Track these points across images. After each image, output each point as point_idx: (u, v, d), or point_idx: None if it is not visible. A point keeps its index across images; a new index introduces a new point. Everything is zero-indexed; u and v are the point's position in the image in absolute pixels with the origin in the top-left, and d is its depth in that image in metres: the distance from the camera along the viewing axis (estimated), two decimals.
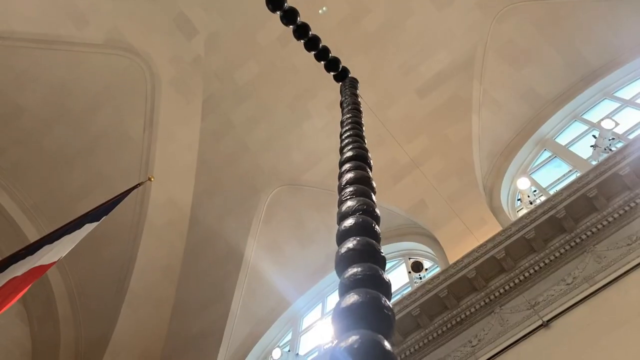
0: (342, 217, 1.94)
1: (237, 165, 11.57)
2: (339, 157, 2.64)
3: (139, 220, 11.58)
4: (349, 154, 2.61)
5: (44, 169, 11.61)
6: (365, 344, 1.17)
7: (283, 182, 11.28)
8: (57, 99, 11.20)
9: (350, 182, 2.25)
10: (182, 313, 11.31)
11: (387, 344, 1.19)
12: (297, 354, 9.56)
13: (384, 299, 1.35)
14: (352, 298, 1.33)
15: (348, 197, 2.07)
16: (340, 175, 2.44)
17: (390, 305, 1.37)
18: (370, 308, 1.30)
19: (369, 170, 2.45)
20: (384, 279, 1.50)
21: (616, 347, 5.14)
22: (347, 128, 3.10)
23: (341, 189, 2.24)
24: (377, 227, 1.86)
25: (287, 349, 9.81)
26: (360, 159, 2.54)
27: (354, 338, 1.19)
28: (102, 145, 11.44)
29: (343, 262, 1.61)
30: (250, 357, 10.18)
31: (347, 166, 2.46)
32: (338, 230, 1.85)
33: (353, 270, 1.50)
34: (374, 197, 2.17)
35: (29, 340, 11.10)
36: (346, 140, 2.88)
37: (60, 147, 11.57)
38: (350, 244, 1.66)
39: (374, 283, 1.44)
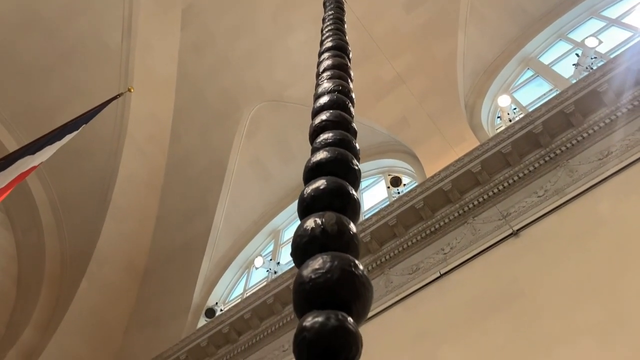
0: (317, 96, 1.99)
1: (218, 80, 11.40)
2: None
3: (120, 133, 11.51)
4: (328, 44, 2.61)
5: (20, 80, 11.33)
6: (331, 186, 1.25)
7: (266, 98, 11.20)
8: (30, 6, 10.74)
9: (327, 69, 2.28)
10: (166, 225, 11.54)
11: (352, 190, 1.28)
12: (278, 263, 9.92)
13: (351, 156, 1.43)
14: (322, 155, 1.41)
15: (325, 80, 2.11)
16: (318, 65, 2.46)
17: (358, 166, 1.45)
18: (339, 163, 1.38)
19: (347, 59, 2.47)
20: (354, 144, 1.57)
21: (581, 254, 5.43)
22: (328, 24, 3.08)
23: (318, 75, 2.28)
24: (352, 107, 1.92)
25: (269, 258, 10.17)
26: (340, 49, 2.55)
27: (321, 182, 1.27)
28: (79, 55, 11.13)
29: (316, 132, 1.68)
30: (233, 266, 10.54)
31: (325, 55, 2.48)
32: (313, 108, 1.91)
33: (325, 135, 1.57)
34: (350, 84, 2.21)
35: (13, 248, 11.30)
36: (327, 34, 2.87)
37: (36, 58, 11.24)
38: (324, 115, 1.72)
39: (344, 146, 1.51)
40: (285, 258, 10.07)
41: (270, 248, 10.75)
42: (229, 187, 11.18)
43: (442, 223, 6.97)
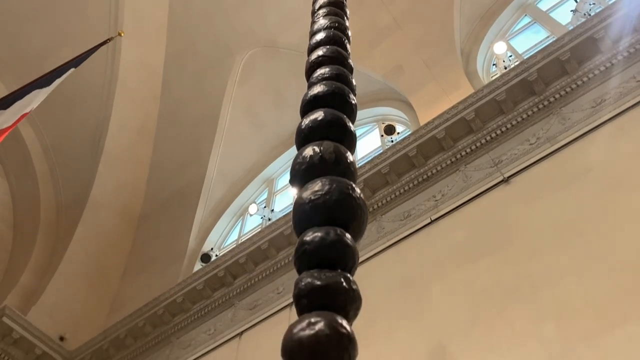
0: (313, 33, 1.99)
1: (210, 25, 11.17)
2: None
3: (111, 80, 11.37)
4: None
5: (7, 26, 11.04)
6: (328, 117, 1.28)
7: (259, 44, 11.02)
8: None
9: (323, 5, 2.26)
10: (159, 173, 11.57)
11: (349, 122, 1.31)
12: (272, 210, 10.04)
13: (348, 91, 1.45)
14: (319, 88, 1.43)
15: (320, 17, 2.10)
16: (314, 2, 2.44)
17: (355, 100, 1.48)
18: (336, 96, 1.41)
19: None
20: (350, 79, 1.59)
21: (570, 200, 5.54)
22: None
23: (314, 12, 2.26)
24: (348, 43, 1.92)
25: (263, 206, 10.28)
26: None
27: (318, 113, 1.30)
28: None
29: (313, 68, 1.69)
30: (227, 213, 10.66)
31: None
32: (309, 44, 1.91)
33: (321, 70, 1.59)
34: (346, 21, 2.19)
35: (8, 195, 11.34)
36: None
37: (21, 2, 10.94)
38: (320, 51, 1.73)
39: (341, 81, 1.53)
40: (279, 205, 10.19)
41: (264, 196, 10.85)
42: (222, 135, 11.16)
43: (434, 171, 7.04)
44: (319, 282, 0.80)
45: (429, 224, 6.61)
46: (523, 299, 5.01)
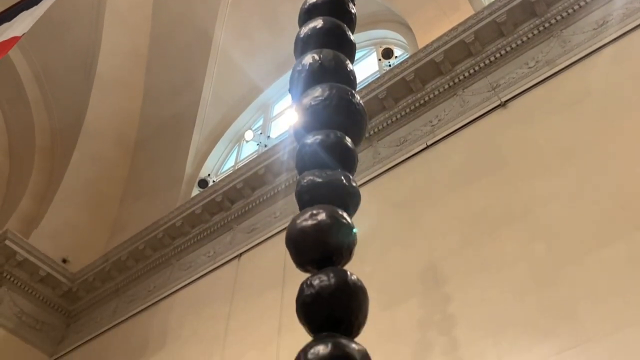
0: None
1: None
2: None
3: (99, 2, 10.98)
4: None
5: None
6: (327, 25, 1.26)
7: None
8: None
9: None
10: (153, 99, 11.44)
11: (348, 31, 1.30)
12: (269, 136, 10.04)
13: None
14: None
15: None
16: None
17: (354, 9, 1.45)
18: (335, 4, 1.38)
19: None
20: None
21: (567, 124, 5.54)
22: None
23: None
24: None
25: (259, 132, 10.27)
26: None
27: (317, 21, 1.28)
28: None
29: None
30: (223, 139, 10.66)
31: None
32: None
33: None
34: None
35: (2, 121, 11.25)
36: None
37: None
38: None
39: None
40: (276, 132, 10.18)
41: (260, 122, 10.81)
42: (215, 59, 10.94)
43: (431, 95, 6.99)
44: (320, 179, 0.83)
45: (424, 149, 6.64)
46: (514, 221, 5.13)
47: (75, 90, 11.09)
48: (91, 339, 8.55)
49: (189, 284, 7.99)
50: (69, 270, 9.26)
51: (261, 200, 8.17)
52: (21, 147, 11.05)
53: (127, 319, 8.34)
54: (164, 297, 8.10)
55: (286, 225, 5.66)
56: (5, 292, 8.60)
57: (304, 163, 0.92)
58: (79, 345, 8.61)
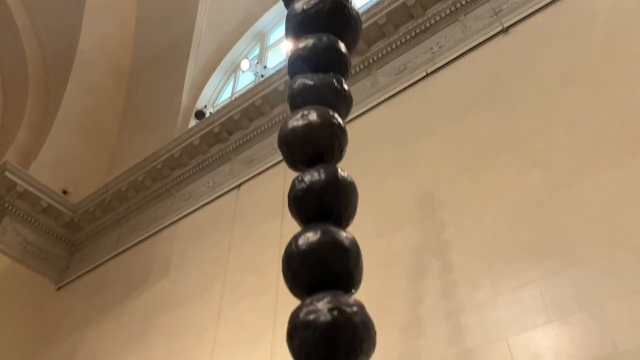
0: None
1: None
2: None
3: None
4: None
5: None
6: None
7: None
8: None
9: None
10: (147, 27, 11.14)
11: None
12: (265, 66, 9.86)
13: None
14: None
15: None
16: None
17: None
18: None
19: None
20: None
21: (567, 51, 5.43)
22: None
23: None
24: None
25: (255, 62, 10.07)
26: None
27: None
28: None
29: None
30: (219, 69, 10.48)
31: None
32: None
33: None
34: None
35: None
36: None
37: None
38: None
39: None
40: (272, 61, 9.98)
41: (256, 52, 10.58)
42: None
43: (432, 21, 6.80)
44: (311, 82, 0.82)
45: (424, 77, 6.54)
46: (512, 150, 5.13)
47: (65, 18, 10.76)
48: (95, 267, 8.77)
49: (189, 214, 8.10)
50: (70, 201, 9.35)
51: (259, 131, 8.13)
52: (14, 78, 10.86)
53: (129, 248, 8.52)
54: (166, 227, 8.24)
55: None
56: (8, 222, 8.74)
57: (295, 68, 0.90)
58: (84, 274, 8.84)
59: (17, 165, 8.87)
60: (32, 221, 9.01)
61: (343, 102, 0.82)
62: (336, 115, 0.75)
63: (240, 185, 7.78)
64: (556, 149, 4.85)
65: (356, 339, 0.71)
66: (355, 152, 5.93)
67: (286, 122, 0.75)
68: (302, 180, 0.68)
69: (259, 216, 6.96)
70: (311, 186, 0.67)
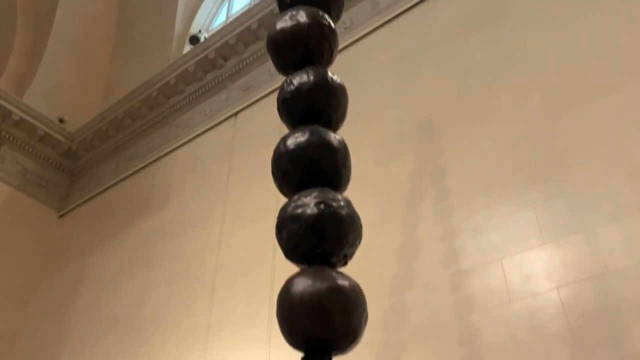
0: None
1: None
2: None
3: None
4: None
5: None
6: None
7: None
8: None
9: None
10: None
11: None
12: None
13: None
14: None
15: None
16: None
17: None
18: None
19: None
20: None
21: None
22: None
23: None
24: None
25: None
26: None
27: None
28: None
29: None
30: None
31: None
32: None
33: None
34: None
35: None
36: None
37: None
38: None
39: None
40: None
41: None
42: None
43: None
44: None
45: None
46: (512, 73, 5.04)
47: None
48: (95, 195, 8.86)
49: (187, 142, 8.07)
50: (66, 129, 9.30)
51: (256, 56, 7.94)
52: (1, 6, 10.47)
53: (128, 176, 8.57)
54: (164, 155, 8.24)
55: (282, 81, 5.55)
56: (6, 151, 8.73)
57: None
58: (85, 202, 8.94)
59: (11, 93, 8.74)
60: (30, 150, 9.00)
61: (334, 3, 0.78)
62: (326, 16, 0.71)
63: (237, 113, 7.70)
64: (556, 72, 4.76)
65: (342, 230, 0.72)
66: (353, 78, 5.82)
67: (274, 24, 0.71)
68: (291, 82, 0.66)
69: (257, 144, 6.93)
70: (300, 88, 0.65)
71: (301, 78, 0.67)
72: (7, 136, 8.72)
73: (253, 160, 6.83)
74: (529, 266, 3.94)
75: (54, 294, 8.16)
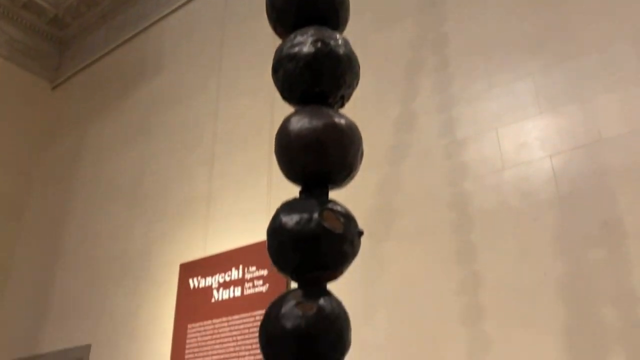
0: None
1: None
2: None
3: None
4: None
5: None
6: None
7: None
8: None
9: None
10: None
11: None
12: None
13: None
14: None
15: None
16: None
17: None
18: None
19: None
20: None
21: None
22: None
23: None
24: None
25: None
26: None
27: None
28: None
29: None
30: None
31: None
32: None
33: None
34: None
35: None
36: None
37: None
38: None
39: None
40: None
41: None
42: None
43: None
44: None
45: None
46: None
47: None
48: (88, 65, 8.65)
49: (177, 9, 7.72)
50: None
51: None
52: None
53: (120, 45, 8.31)
54: (154, 23, 7.93)
55: None
56: None
57: None
58: (78, 72, 8.76)
59: None
60: (15, 18, 8.62)
61: None
62: None
63: None
64: None
65: (339, 70, 0.70)
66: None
67: None
68: None
69: (251, 12, 6.64)
70: None
71: None
72: None
73: (247, 30, 6.58)
74: (524, 135, 3.97)
75: (54, 164, 8.31)
